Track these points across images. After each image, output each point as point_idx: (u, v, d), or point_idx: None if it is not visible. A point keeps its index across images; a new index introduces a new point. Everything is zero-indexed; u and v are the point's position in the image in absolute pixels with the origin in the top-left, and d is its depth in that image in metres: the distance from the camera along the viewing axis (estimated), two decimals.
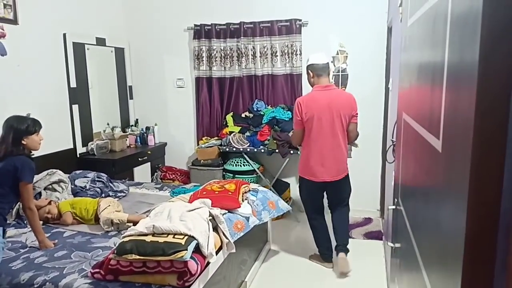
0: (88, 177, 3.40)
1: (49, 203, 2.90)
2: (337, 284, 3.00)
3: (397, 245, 1.25)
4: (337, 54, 4.21)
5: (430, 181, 0.81)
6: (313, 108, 2.88)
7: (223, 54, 4.44)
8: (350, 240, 3.58)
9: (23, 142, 2.28)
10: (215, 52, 4.44)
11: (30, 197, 2.31)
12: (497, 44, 0.51)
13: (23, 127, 2.29)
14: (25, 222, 2.73)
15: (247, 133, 4.21)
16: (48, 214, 2.82)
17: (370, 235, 3.80)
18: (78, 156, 4.01)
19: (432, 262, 0.79)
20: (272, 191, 3.63)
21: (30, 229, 2.68)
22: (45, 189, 3.09)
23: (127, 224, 2.67)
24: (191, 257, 1.99)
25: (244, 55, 4.34)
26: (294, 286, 2.98)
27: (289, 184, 4.40)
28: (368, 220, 4.16)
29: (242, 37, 4.32)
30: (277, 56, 4.32)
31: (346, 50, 4.20)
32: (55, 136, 3.68)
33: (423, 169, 0.88)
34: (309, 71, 2.99)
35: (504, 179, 0.50)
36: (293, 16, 4.20)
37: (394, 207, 1.35)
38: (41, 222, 2.77)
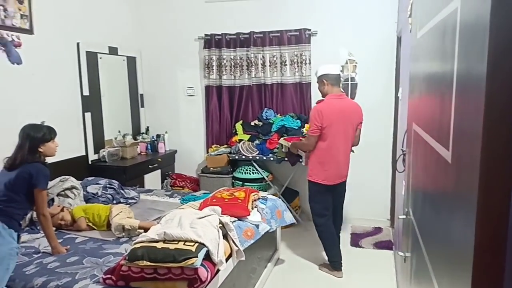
0: (100, 184, 3.45)
1: (62, 210, 2.95)
2: None
3: (408, 254, 1.25)
4: (346, 63, 4.23)
5: (440, 192, 0.82)
6: (331, 115, 3.02)
7: (233, 63, 4.49)
8: (360, 250, 3.60)
9: (39, 149, 2.33)
10: (225, 61, 4.49)
11: (44, 203, 2.35)
12: (505, 57, 0.52)
13: (40, 135, 2.34)
14: (38, 227, 2.77)
15: (256, 141, 4.23)
16: (61, 221, 2.86)
17: (380, 245, 3.78)
18: (90, 163, 4.07)
19: (443, 272, 0.79)
20: (281, 200, 3.64)
21: (43, 234, 2.73)
22: (58, 195, 3.14)
23: (138, 230, 2.69)
24: (201, 264, 2.00)
25: (253, 64, 4.39)
26: None
27: (298, 192, 4.40)
28: (378, 230, 4.14)
29: (251, 47, 4.37)
30: (287, 65, 4.36)
31: (355, 59, 4.22)
32: (68, 143, 3.74)
33: (433, 179, 0.89)
34: (324, 80, 3.11)
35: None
36: (302, 26, 4.24)
37: (404, 216, 1.36)
38: (54, 228, 2.82)
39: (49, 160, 3.40)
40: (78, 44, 3.87)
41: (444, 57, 0.82)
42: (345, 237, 3.89)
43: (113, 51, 4.38)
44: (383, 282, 3.09)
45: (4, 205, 2.18)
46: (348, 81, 4.24)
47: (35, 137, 2.32)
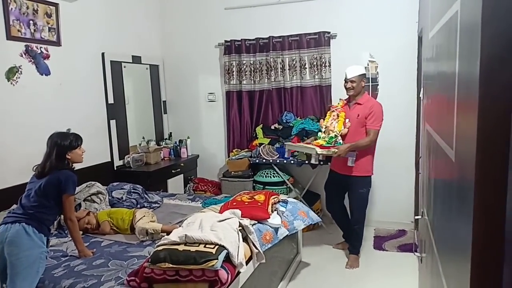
0: (124, 189, 3.55)
1: (88, 214, 3.05)
2: None
3: (424, 255, 1.24)
4: (368, 64, 4.20)
5: (446, 190, 0.81)
6: None
7: (252, 68, 4.53)
8: (384, 253, 3.57)
9: (67, 156, 2.41)
10: (244, 66, 4.54)
11: (72, 208, 2.45)
12: (497, 62, 0.53)
13: (67, 142, 2.42)
14: (66, 232, 2.87)
15: (277, 145, 4.25)
16: (87, 225, 2.96)
17: (404, 248, 3.71)
18: (115, 168, 4.19)
19: (450, 270, 0.79)
20: (302, 203, 3.64)
21: (71, 238, 2.83)
22: (84, 200, 3.25)
23: (161, 234, 2.75)
24: (222, 266, 2.03)
25: (273, 68, 4.42)
26: None
27: (319, 195, 4.39)
28: (402, 232, 4.07)
29: (271, 51, 4.40)
30: (306, 68, 4.36)
31: (376, 60, 4.19)
32: (94, 150, 3.87)
33: (441, 178, 0.89)
34: (364, 79, 3.34)
35: (508, 189, 0.52)
36: (321, 29, 4.24)
37: (420, 217, 1.35)
38: (81, 232, 2.93)
39: (76, 166, 3.53)
40: (103, 54, 4.01)
41: (449, 58, 0.82)
42: (368, 240, 3.85)
43: (136, 60, 4.50)
44: (407, 286, 3.03)
45: (35, 210, 2.28)
46: (369, 82, 4.20)
47: (62, 144, 2.40)
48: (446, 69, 0.87)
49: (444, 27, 0.91)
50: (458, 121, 0.70)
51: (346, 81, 3.28)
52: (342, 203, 3.61)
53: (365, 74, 3.35)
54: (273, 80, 4.44)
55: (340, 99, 3.45)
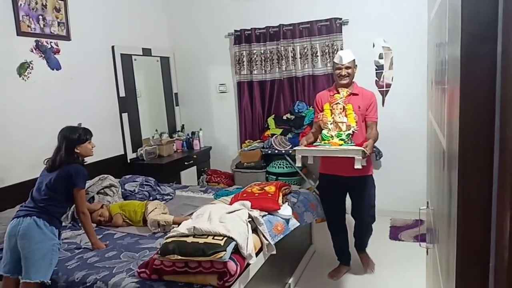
0: (136, 181, 3.56)
1: (101, 206, 3.08)
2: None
3: (429, 246, 1.19)
4: (382, 50, 4.09)
5: (440, 179, 0.77)
6: None
7: (263, 58, 4.47)
8: (399, 243, 3.48)
9: (76, 150, 2.42)
10: (255, 56, 4.49)
11: (83, 202, 2.47)
12: (478, 41, 0.49)
13: (75, 136, 2.43)
14: (79, 224, 2.90)
15: (289, 135, 4.21)
16: (100, 217, 2.99)
17: (422, 238, 3.63)
18: (128, 161, 4.22)
19: (444, 262, 0.75)
20: (316, 193, 3.60)
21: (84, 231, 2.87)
22: (97, 193, 3.28)
23: (172, 225, 2.76)
24: (231, 258, 2.01)
25: (284, 57, 4.35)
26: None
27: None
28: (419, 222, 3.99)
29: (281, 40, 4.33)
30: (318, 56, 4.28)
31: (390, 46, 4.07)
32: (107, 143, 3.91)
33: (437, 167, 0.84)
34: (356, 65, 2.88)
35: (493, 177, 0.49)
36: (333, 16, 4.15)
37: (425, 207, 1.29)
38: (94, 224, 2.96)
39: (89, 159, 3.55)
40: (113, 47, 4.02)
41: (441, 41, 0.77)
42: (383, 230, 3.78)
43: (146, 52, 4.50)
44: (423, 276, 2.96)
45: (46, 204, 2.31)
46: (382, 69, 4.10)
47: (71, 138, 2.42)
48: (440, 52, 0.82)
49: (438, 9, 0.85)
50: (448, 106, 0.66)
51: (339, 68, 2.80)
52: (344, 215, 3.10)
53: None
54: (284, 69, 4.38)
55: (341, 89, 2.81)
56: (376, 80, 4.14)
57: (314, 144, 2.73)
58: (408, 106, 3.82)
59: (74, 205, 2.65)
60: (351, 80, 2.86)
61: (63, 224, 2.86)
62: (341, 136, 2.62)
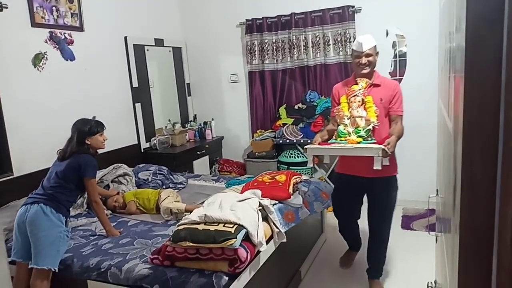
0: (150, 170, 3.62)
1: (118, 193, 3.16)
2: (393, 278, 2.91)
3: (438, 234, 1.19)
4: (395, 39, 4.03)
5: (446, 166, 0.77)
6: None
7: (274, 47, 4.45)
8: (411, 232, 3.42)
9: (87, 142, 2.47)
10: (266, 45, 4.47)
11: (95, 191, 2.53)
12: (484, 24, 0.49)
13: (86, 128, 2.48)
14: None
15: (301, 125, 4.20)
16: (115, 203, 3.06)
17: (434, 227, 3.60)
18: (142, 151, 4.28)
19: (450, 249, 0.75)
20: (327, 182, 3.60)
21: None
22: (112, 182, 3.35)
23: (185, 213, 2.80)
24: (241, 245, 2.04)
25: (295, 46, 4.33)
26: (349, 278, 2.94)
27: None
28: (431, 212, 3.95)
29: (293, 28, 4.30)
30: (330, 45, 4.25)
31: (404, 34, 4.01)
32: (121, 133, 3.97)
33: (445, 153, 0.84)
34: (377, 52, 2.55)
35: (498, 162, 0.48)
36: (345, 3, 4.09)
37: (434, 195, 1.29)
38: (109, 211, 3.03)
39: (105, 149, 3.62)
40: (125, 38, 4.05)
41: (449, 27, 0.76)
42: (395, 220, 3.75)
43: (159, 42, 4.52)
44: (433, 265, 2.95)
45: (54, 191, 2.36)
46: (397, 57, 4.05)
47: (83, 130, 2.47)
48: (449, 39, 0.81)
49: None
50: (455, 90, 0.65)
51: (359, 56, 2.47)
52: (357, 218, 2.88)
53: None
54: (296, 59, 4.36)
55: (360, 79, 2.51)
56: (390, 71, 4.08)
57: (329, 142, 2.46)
58: (421, 95, 3.77)
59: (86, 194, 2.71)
60: (372, 69, 2.52)
61: (78, 211, 2.95)
62: (359, 132, 2.35)
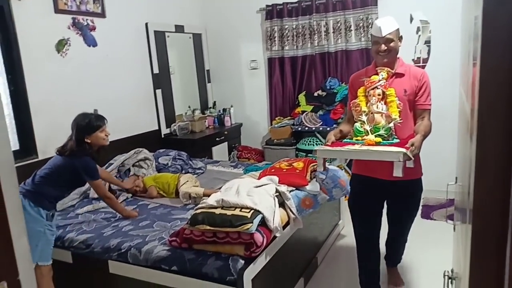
0: (170, 155, 3.68)
1: (137, 178, 3.22)
2: (410, 265, 2.88)
3: (457, 223, 1.16)
4: (420, 24, 3.91)
5: (464, 151, 0.75)
6: None
7: (295, 33, 4.40)
8: (431, 222, 3.36)
9: (86, 140, 2.30)
10: (287, 31, 4.42)
11: (101, 189, 2.50)
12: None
13: (84, 124, 2.31)
14: (116, 194, 3.05)
15: (320, 112, 4.16)
16: (136, 187, 3.13)
17: (452, 217, 3.54)
18: (162, 136, 4.34)
19: (464, 238, 0.74)
20: (346, 170, 3.57)
21: (121, 200, 3.01)
22: (133, 166, 3.43)
23: (203, 198, 2.84)
24: (257, 230, 2.07)
25: (316, 32, 4.27)
26: None
27: None
28: (452, 202, 3.88)
29: (314, 14, 4.24)
30: (351, 30, 4.17)
31: (428, 19, 3.89)
32: (142, 118, 4.04)
33: (464, 139, 0.82)
34: (401, 37, 2.19)
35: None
36: None
37: (453, 183, 1.26)
38: (130, 195, 3.10)
39: (126, 134, 3.67)
40: (146, 24, 4.08)
41: (475, 13, 0.74)
42: None
43: (179, 29, 4.54)
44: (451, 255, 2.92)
45: (40, 182, 2.26)
46: (423, 43, 3.94)
47: (81, 126, 2.31)
48: (472, 23, 0.78)
49: None
50: (473, 72, 0.64)
51: (377, 41, 2.12)
52: (379, 231, 2.44)
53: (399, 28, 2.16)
54: (316, 45, 4.30)
55: (380, 68, 2.14)
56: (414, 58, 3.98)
57: (344, 141, 2.12)
58: (442, 82, 3.66)
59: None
60: (395, 57, 2.18)
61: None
62: (378, 131, 2.02)
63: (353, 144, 2.02)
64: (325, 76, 4.35)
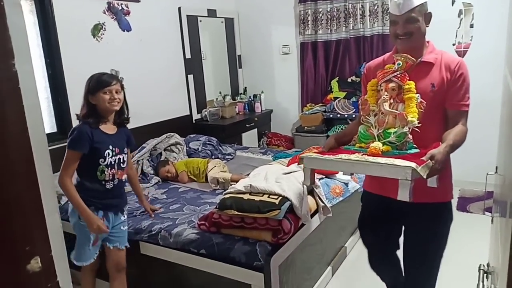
0: (200, 141, 3.72)
1: (168, 163, 3.27)
2: (444, 260, 2.79)
3: (496, 215, 1.10)
4: (462, 7, 3.71)
5: (508, 136, 0.69)
6: None
7: (329, 16, 4.29)
8: (468, 215, 3.23)
9: (92, 102, 1.95)
10: (320, 14, 4.31)
11: (65, 166, 1.89)
12: None
13: (88, 82, 1.97)
14: (148, 178, 3.12)
15: (353, 99, 4.06)
16: (168, 174, 3.18)
17: (490, 210, 3.39)
18: (193, 122, 4.38)
19: (504, 230, 0.69)
20: None
21: (152, 184, 3.06)
22: (164, 150, 3.48)
23: (231, 183, 2.85)
24: (285, 217, 2.05)
25: (351, 15, 4.14)
26: None
27: None
28: (490, 194, 3.71)
29: None
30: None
31: (471, 2, 3.68)
32: (173, 104, 4.09)
33: (508, 121, 0.75)
34: (428, 16, 1.63)
35: None
36: None
37: (493, 173, 1.18)
38: (161, 179, 3.16)
39: (157, 119, 3.70)
40: (179, 8, 4.09)
41: None
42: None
43: (212, 13, 4.52)
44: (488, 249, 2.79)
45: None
46: (465, 29, 3.74)
47: (86, 85, 1.97)
48: None
49: None
50: None
51: (395, 21, 1.61)
52: (396, 254, 1.98)
53: (426, 3, 1.62)
54: (351, 28, 4.17)
55: (397, 55, 1.59)
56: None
57: (344, 148, 1.65)
58: (480, 69, 3.46)
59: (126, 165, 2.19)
60: (420, 41, 1.64)
61: None
62: (388, 136, 1.50)
63: (353, 152, 1.52)
64: (359, 62, 4.23)
